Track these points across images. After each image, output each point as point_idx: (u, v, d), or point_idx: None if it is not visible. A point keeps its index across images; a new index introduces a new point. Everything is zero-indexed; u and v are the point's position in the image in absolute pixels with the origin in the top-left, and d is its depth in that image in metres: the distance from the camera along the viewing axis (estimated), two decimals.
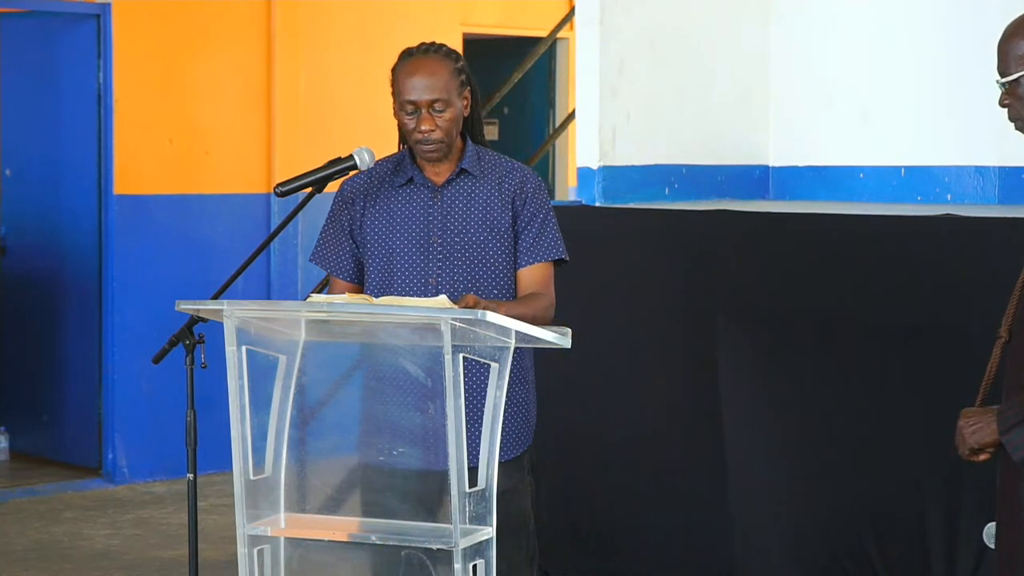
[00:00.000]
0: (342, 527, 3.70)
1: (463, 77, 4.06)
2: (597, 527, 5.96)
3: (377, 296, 3.98)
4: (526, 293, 4.07)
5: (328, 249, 4.19)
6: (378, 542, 3.64)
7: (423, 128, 4.00)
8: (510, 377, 3.92)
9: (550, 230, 4.11)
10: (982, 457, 3.42)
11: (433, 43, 4.11)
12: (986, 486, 3.70)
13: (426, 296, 3.92)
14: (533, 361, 4.17)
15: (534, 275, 4.08)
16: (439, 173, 4.10)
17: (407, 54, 4.07)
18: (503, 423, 3.95)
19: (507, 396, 3.93)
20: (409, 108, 4.01)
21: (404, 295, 3.97)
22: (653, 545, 5.84)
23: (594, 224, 6.03)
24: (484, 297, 3.98)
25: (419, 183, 4.10)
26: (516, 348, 3.91)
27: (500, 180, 4.10)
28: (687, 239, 5.87)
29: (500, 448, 3.94)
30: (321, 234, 4.21)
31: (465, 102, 4.07)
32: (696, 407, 5.75)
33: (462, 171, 4.08)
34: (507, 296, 4.05)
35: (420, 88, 3.99)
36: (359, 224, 4.12)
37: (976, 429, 3.39)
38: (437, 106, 3.99)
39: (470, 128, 4.14)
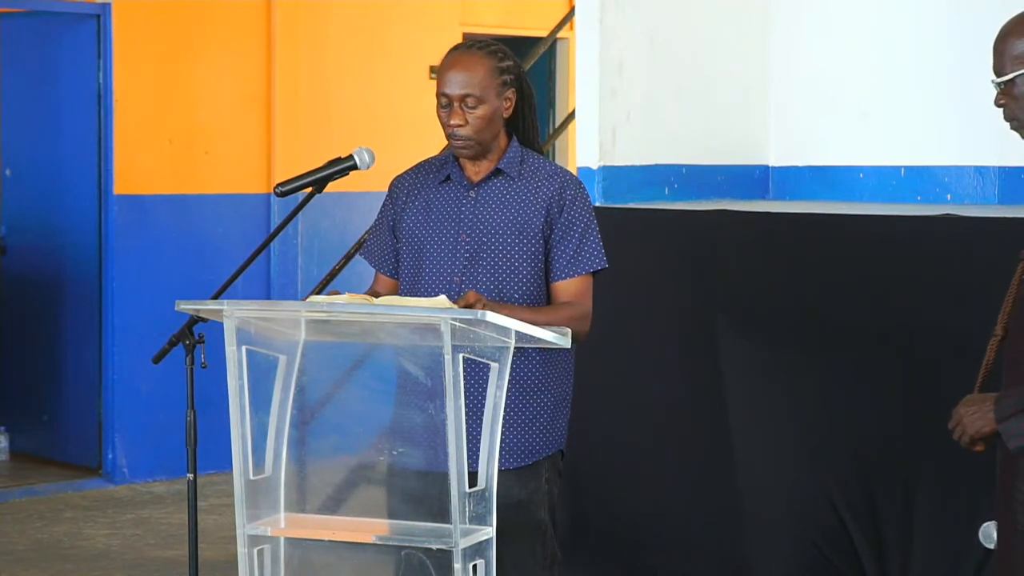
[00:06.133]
0: (342, 527, 3.70)
1: (506, 77, 4.00)
2: (601, 524, 5.96)
3: (407, 293, 3.97)
4: (558, 303, 4.01)
5: (373, 245, 4.17)
6: (378, 542, 3.64)
7: (452, 122, 3.97)
8: (521, 386, 3.95)
9: (591, 241, 4.03)
10: (979, 447, 3.42)
11: (482, 40, 4.08)
12: (984, 487, 3.71)
13: (450, 295, 3.88)
14: (566, 370, 4.08)
15: (569, 288, 4.01)
16: (477, 172, 4.05)
17: (452, 49, 4.05)
18: (515, 430, 3.96)
19: (518, 404, 3.96)
20: (443, 101, 3.99)
21: (430, 293, 3.93)
22: (657, 542, 5.84)
23: None
24: (506, 301, 3.93)
25: (456, 181, 4.06)
26: (534, 357, 3.93)
27: (538, 184, 4.03)
28: (687, 239, 5.87)
29: (513, 455, 3.96)
30: (370, 230, 4.18)
31: (507, 103, 4.01)
32: (696, 406, 5.75)
33: (498, 171, 4.03)
34: (529, 301, 3.98)
35: (453, 82, 3.96)
36: (400, 220, 4.10)
37: (976, 417, 3.38)
38: (469, 101, 3.96)
39: (521, 131, 4.09)
